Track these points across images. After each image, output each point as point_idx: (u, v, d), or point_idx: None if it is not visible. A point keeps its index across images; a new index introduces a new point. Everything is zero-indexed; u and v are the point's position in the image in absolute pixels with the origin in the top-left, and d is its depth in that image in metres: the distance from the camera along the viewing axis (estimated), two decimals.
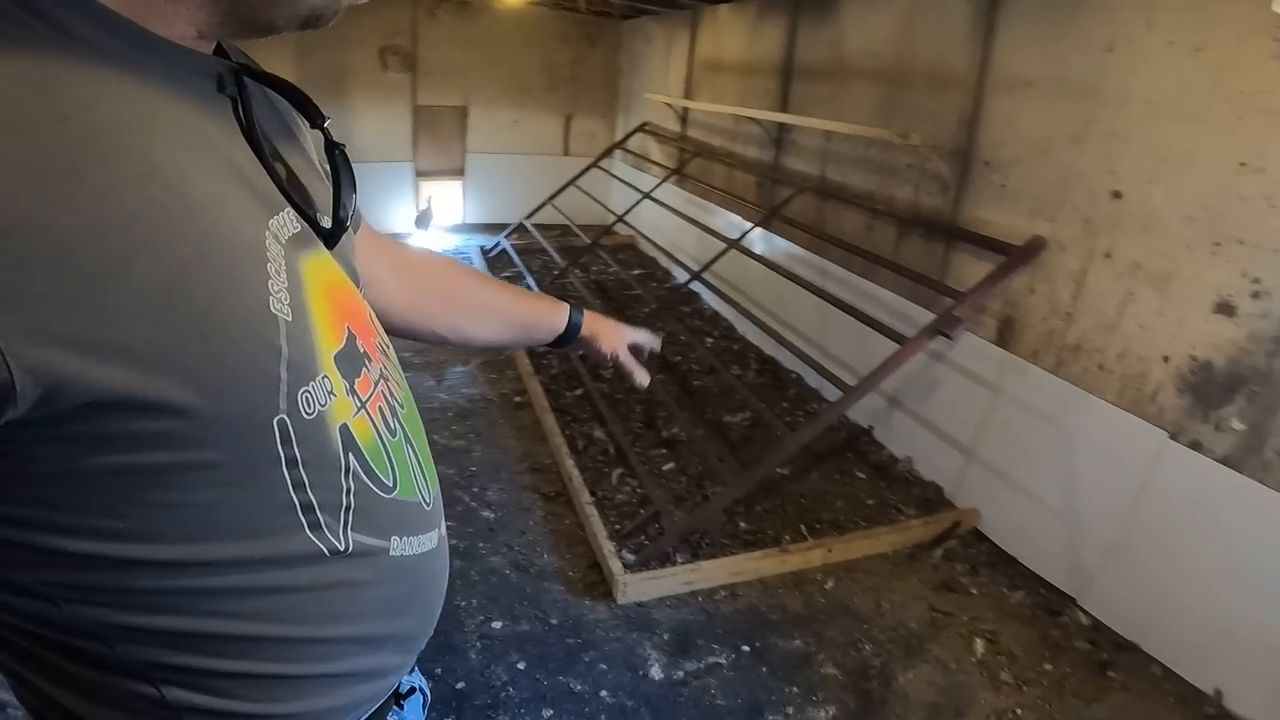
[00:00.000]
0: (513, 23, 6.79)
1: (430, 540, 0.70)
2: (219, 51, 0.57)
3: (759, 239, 4.62)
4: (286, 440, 0.52)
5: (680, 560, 2.59)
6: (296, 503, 0.54)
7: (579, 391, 3.89)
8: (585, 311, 1.15)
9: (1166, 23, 2.34)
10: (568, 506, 2.94)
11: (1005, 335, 2.97)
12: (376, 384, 0.65)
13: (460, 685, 2.04)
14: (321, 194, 0.66)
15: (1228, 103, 2.18)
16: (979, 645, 2.38)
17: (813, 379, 4.11)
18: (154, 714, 0.55)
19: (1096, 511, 2.57)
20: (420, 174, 6.94)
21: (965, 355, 3.14)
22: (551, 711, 2.00)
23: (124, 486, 0.46)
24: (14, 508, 0.45)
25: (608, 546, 2.59)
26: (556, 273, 5.50)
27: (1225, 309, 2.22)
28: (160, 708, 0.55)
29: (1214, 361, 2.26)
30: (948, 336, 2.79)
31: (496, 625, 2.28)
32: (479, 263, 6.00)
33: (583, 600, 2.43)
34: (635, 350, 1.19)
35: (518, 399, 3.86)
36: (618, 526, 2.78)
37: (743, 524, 2.87)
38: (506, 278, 5.67)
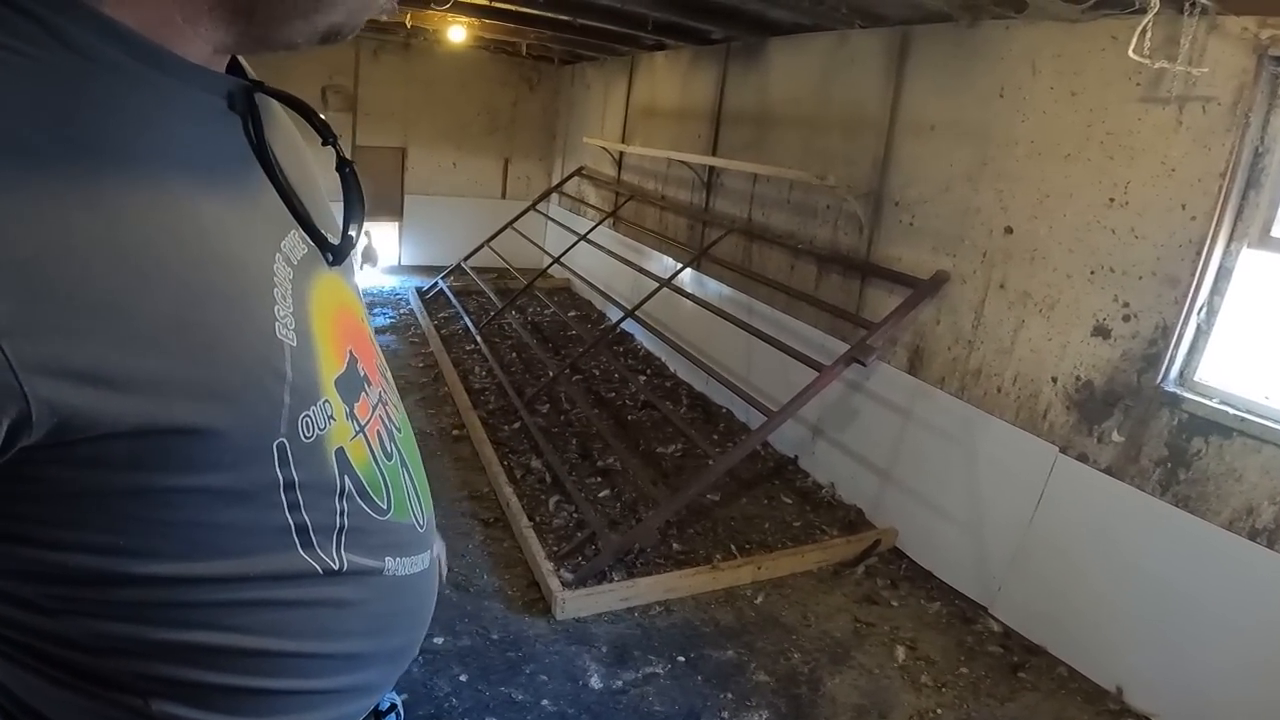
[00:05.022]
0: (453, 65, 6.92)
1: (423, 561, 0.71)
2: (233, 66, 0.58)
3: (690, 279, 4.81)
4: (285, 463, 0.52)
5: (617, 578, 2.68)
6: (291, 523, 0.54)
7: (516, 425, 3.97)
8: None
9: (1048, 69, 2.63)
10: (506, 531, 3.00)
11: (915, 364, 3.19)
12: (375, 408, 0.66)
13: (403, 697, 2.05)
14: (325, 211, 0.67)
15: (1099, 143, 2.46)
16: (900, 652, 2.52)
17: (741, 413, 4.27)
18: None
19: (1000, 525, 2.77)
20: None
21: (880, 384, 3.35)
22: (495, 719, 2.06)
23: (125, 506, 0.47)
24: (20, 525, 0.45)
25: (546, 566, 2.67)
26: (493, 314, 5.59)
27: (1101, 331, 2.47)
28: (145, 719, 0.55)
29: (1094, 380, 2.49)
30: (861, 363, 2.99)
31: (438, 640, 2.32)
32: (416, 303, 6.05)
33: (522, 617, 2.50)
34: None
35: (455, 432, 3.91)
36: (555, 548, 2.86)
37: (676, 545, 2.98)
38: (444, 318, 5.75)
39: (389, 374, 0.75)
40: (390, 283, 6.80)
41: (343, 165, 0.64)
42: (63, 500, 0.45)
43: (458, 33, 5.41)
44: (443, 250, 7.07)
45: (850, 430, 3.53)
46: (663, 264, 5.15)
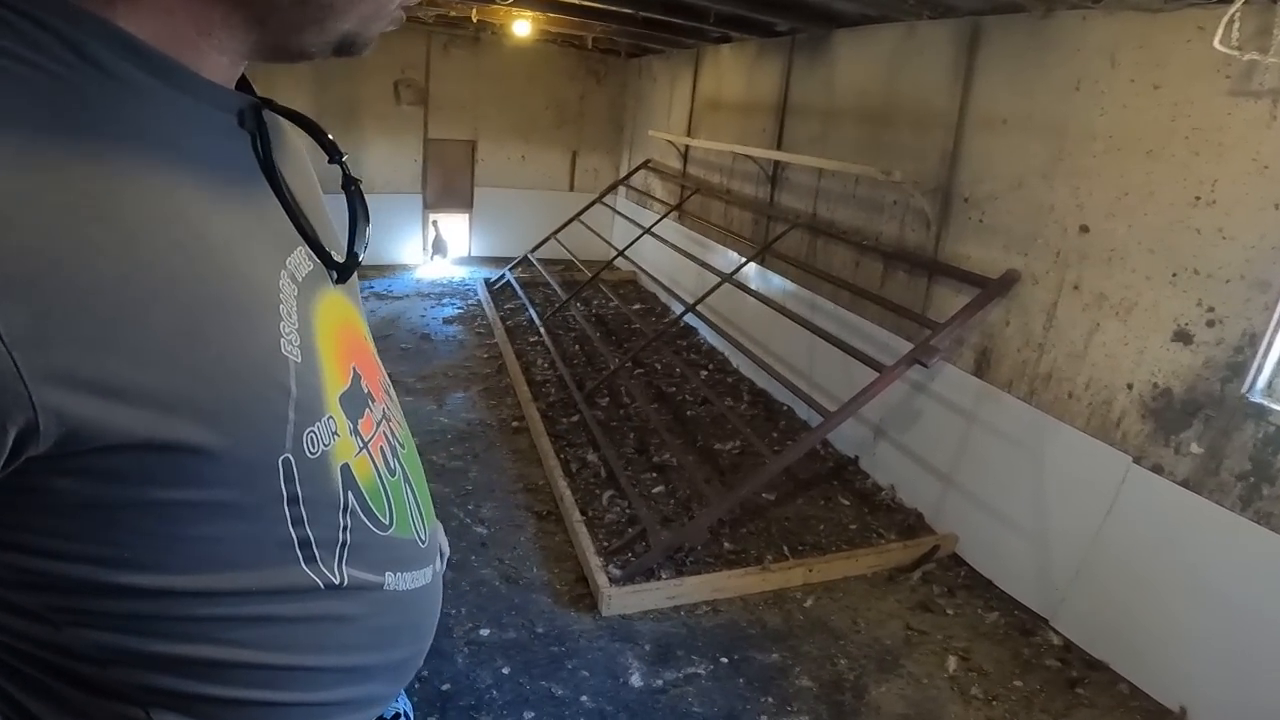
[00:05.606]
0: (522, 59, 6.98)
1: (425, 575, 0.71)
2: (242, 85, 0.59)
3: (754, 274, 4.75)
4: (290, 478, 0.53)
5: (665, 576, 2.68)
6: (294, 538, 0.55)
7: (575, 418, 4.00)
8: None
9: (1128, 61, 2.48)
10: (558, 524, 3.03)
11: (982, 366, 3.08)
12: (379, 424, 0.66)
13: (445, 687, 2.12)
14: (330, 230, 0.68)
15: (1184, 138, 2.31)
16: (951, 662, 2.45)
17: (803, 411, 4.21)
18: None
19: (1066, 535, 2.66)
20: (429, 206, 7.13)
21: (945, 386, 3.25)
22: (533, 714, 2.08)
23: (131, 518, 0.47)
24: (25, 534, 0.45)
25: (595, 561, 2.68)
26: (558, 305, 5.64)
27: (1183, 337, 2.33)
28: None
29: (1173, 388, 2.36)
30: (924, 365, 2.90)
31: (484, 633, 2.37)
32: (483, 294, 6.16)
33: (569, 611, 2.52)
34: None
35: (515, 424, 3.96)
36: (606, 543, 2.87)
37: (727, 544, 2.96)
38: (510, 309, 5.84)
39: (393, 391, 0.76)
40: (460, 273, 6.95)
41: (348, 183, 0.65)
42: (68, 511, 0.45)
43: (523, 27, 5.46)
44: (511, 242, 7.17)
45: (913, 432, 3.44)
46: (727, 258, 5.10)
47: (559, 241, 6.32)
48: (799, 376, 4.12)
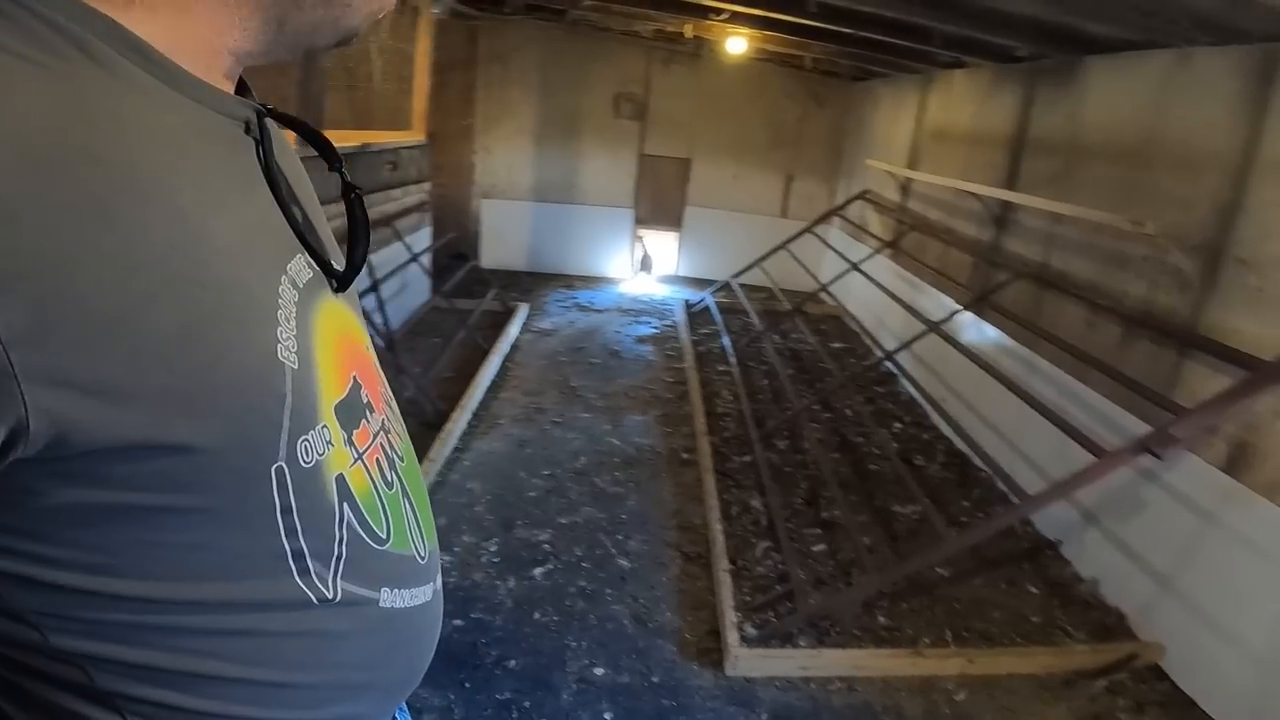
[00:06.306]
0: (740, 77, 6.86)
1: (424, 594, 0.70)
2: (242, 90, 0.59)
3: (969, 324, 4.30)
4: (283, 488, 0.52)
5: (803, 643, 2.44)
6: (288, 549, 0.54)
7: (748, 458, 3.81)
8: None
9: None
10: (704, 569, 2.86)
11: (1237, 462, 2.51)
12: (376, 436, 0.65)
13: None
14: (330, 238, 0.68)
15: None
16: None
17: (1004, 480, 3.72)
18: None
19: None
20: (639, 222, 7.23)
21: (1183, 479, 2.70)
22: None
23: (118, 524, 0.46)
24: (9, 538, 0.45)
25: (731, 616, 2.49)
26: (753, 336, 5.48)
27: None
28: None
29: None
30: (1157, 456, 2.41)
31: (598, 672, 2.26)
32: (681, 316, 6.14)
33: (691, 664, 2.35)
34: None
35: (685, 455, 3.85)
36: (748, 598, 2.67)
37: (882, 618, 2.64)
38: (704, 335, 5.75)
39: (394, 403, 0.74)
40: (663, 292, 6.98)
41: (348, 191, 0.64)
42: (54, 516, 0.45)
43: (737, 44, 5.42)
44: (717, 264, 7.10)
45: (1133, 523, 2.89)
46: (939, 304, 4.67)
47: (763, 270, 6.15)
48: (1004, 442, 3.65)
